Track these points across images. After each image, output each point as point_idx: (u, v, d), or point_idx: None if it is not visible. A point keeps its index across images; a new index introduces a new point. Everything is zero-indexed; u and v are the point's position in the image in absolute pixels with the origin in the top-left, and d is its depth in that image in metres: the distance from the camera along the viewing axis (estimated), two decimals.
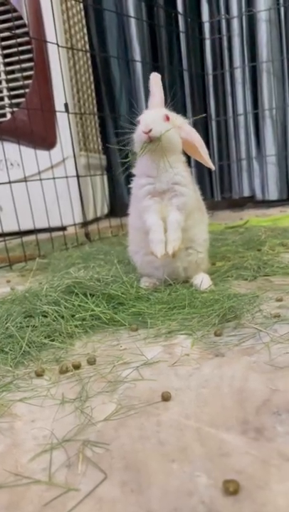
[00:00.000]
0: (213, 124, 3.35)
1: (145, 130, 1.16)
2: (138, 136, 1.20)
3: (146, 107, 1.30)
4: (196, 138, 1.26)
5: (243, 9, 3.14)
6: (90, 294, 1.14)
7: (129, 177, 1.32)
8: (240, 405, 0.66)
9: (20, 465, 0.58)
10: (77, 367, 0.85)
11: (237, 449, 0.56)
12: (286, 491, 0.48)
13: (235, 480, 0.49)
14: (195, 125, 1.31)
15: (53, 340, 0.98)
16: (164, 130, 1.17)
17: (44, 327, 1.02)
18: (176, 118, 1.27)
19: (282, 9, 3.08)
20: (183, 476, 0.53)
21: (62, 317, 1.06)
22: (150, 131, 1.16)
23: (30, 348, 0.95)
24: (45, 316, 1.07)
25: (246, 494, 0.48)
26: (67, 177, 2.43)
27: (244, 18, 3.14)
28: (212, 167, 1.30)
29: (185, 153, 1.30)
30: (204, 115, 1.53)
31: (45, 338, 0.99)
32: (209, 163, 1.28)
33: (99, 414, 0.68)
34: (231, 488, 0.48)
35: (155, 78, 1.28)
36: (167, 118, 1.21)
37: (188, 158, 1.32)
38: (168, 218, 1.21)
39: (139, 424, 0.64)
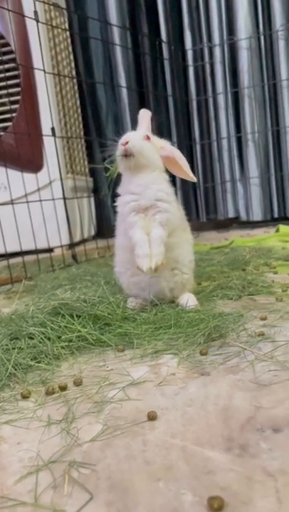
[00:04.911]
0: (198, 147, 3.43)
1: (122, 142, 1.24)
2: (117, 151, 1.27)
3: None
4: (176, 152, 1.32)
5: (225, 37, 3.25)
6: (77, 315, 1.14)
7: (115, 197, 1.35)
8: (225, 423, 0.67)
9: (6, 487, 0.58)
10: (63, 388, 0.85)
11: (222, 466, 0.57)
12: (270, 507, 0.49)
13: (219, 496, 0.50)
14: (180, 149, 1.36)
15: (39, 362, 0.98)
16: (141, 145, 1.25)
17: (30, 349, 1.02)
18: (158, 141, 1.33)
19: (262, 37, 3.20)
20: (169, 494, 0.53)
21: (49, 339, 1.06)
22: (127, 143, 1.23)
23: (16, 370, 0.94)
24: (32, 338, 1.07)
25: (231, 510, 0.49)
26: (54, 199, 2.45)
27: (226, 46, 3.26)
28: (194, 179, 1.33)
29: (170, 174, 1.34)
30: None
31: (31, 360, 0.98)
32: (190, 175, 1.32)
33: (85, 435, 0.69)
34: (216, 505, 0.49)
35: (145, 114, 1.37)
36: (148, 138, 1.29)
37: (173, 179, 1.36)
38: (151, 234, 1.23)
39: (125, 444, 0.65)
